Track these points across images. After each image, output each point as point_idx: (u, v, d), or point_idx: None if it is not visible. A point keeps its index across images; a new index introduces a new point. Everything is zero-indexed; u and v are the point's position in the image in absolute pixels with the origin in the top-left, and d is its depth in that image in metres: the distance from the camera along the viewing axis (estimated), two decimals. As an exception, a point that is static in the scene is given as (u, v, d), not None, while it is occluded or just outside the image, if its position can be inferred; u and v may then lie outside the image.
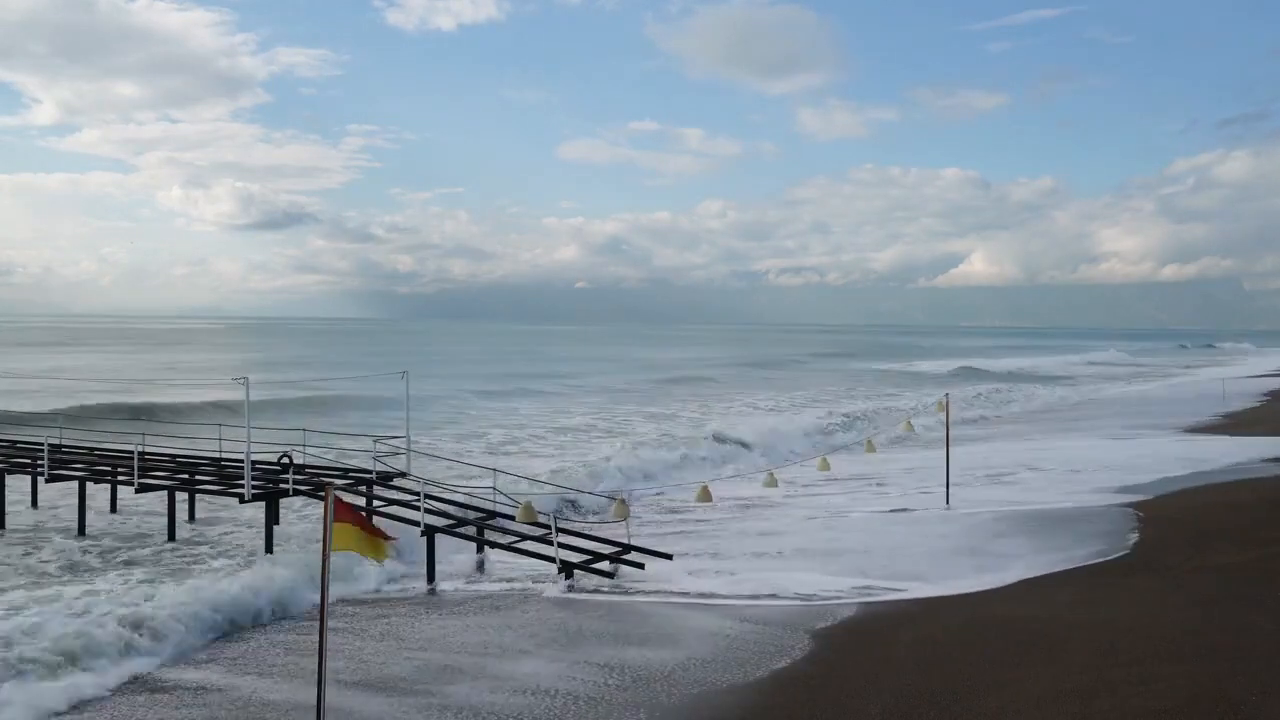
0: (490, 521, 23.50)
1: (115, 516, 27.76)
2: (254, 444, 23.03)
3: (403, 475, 26.18)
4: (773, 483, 31.62)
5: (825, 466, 35.95)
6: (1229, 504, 26.99)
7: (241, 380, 22.46)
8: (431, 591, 20.49)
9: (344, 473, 26.68)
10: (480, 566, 22.42)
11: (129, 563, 22.73)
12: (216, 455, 28.49)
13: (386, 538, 11.79)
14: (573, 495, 29.33)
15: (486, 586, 20.63)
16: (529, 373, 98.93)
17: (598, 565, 21.16)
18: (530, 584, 20.44)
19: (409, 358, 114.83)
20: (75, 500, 26.10)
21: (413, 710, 13.51)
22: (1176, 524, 24.62)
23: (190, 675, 14.97)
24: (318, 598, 11.53)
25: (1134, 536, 23.53)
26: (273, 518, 23.78)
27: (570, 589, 20.17)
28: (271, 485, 24.14)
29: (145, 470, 25.47)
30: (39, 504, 28.78)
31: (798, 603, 18.68)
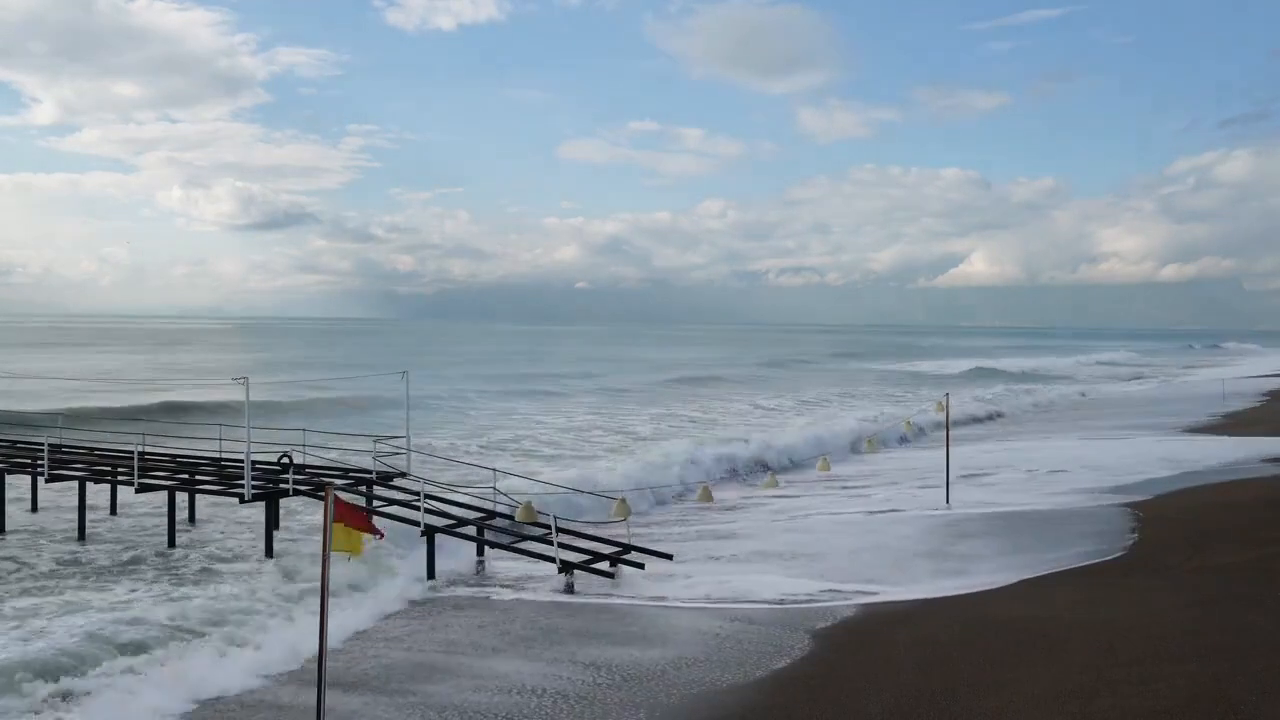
0: (490, 521, 23.51)
1: (115, 519, 27.68)
2: (254, 444, 23.02)
3: (403, 475, 26.18)
4: (773, 483, 31.63)
5: (825, 467, 35.97)
6: (1228, 504, 26.99)
7: (241, 380, 22.45)
8: (431, 591, 20.47)
9: (344, 473, 26.68)
10: (480, 566, 22.42)
11: (126, 574, 22.20)
12: (216, 455, 28.49)
13: (375, 532, 11.84)
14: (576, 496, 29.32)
15: (486, 586, 20.62)
16: (543, 374, 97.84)
17: (598, 565, 21.17)
18: (530, 584, 20.44)
19: (415, 358, 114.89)
20: (75, 499, 26.02)
21: (409, 709, 13.52)
22: (1176, 524, 24.63)
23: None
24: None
25: (1132, 537, 23.53)
26: (273, 519, 23.76)
27: (570, 589, 20.18)
28: (271, 485, 24.13)
29: (145, 470, 25.45)
30: (39, 504, 28.76)
31: (775, 605, 18.69)
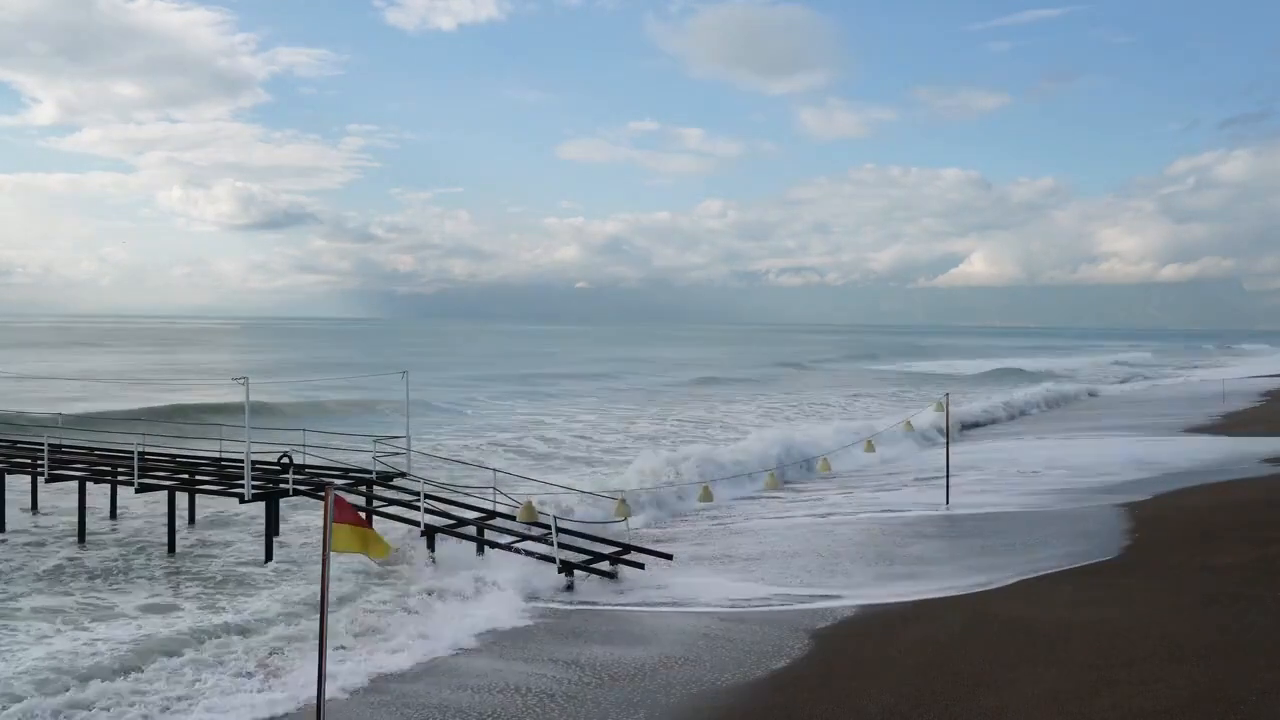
0: (490, 521, 23.50)
1: (115, 521, 27.65)
2: (254, 444, 23.02)
3: (403, 475, 26.19)
4: (774, 483, 31.62)
5: (826, 467, 35.96)
6: (1228, 504, 26.98)
7: (241, 380, 22.46)
8: (429, 592, 20.44)
9: (344, 473, 26.68)
10: (480, 567, 22.38)
11: (120, 590, 22.03)
12: (217, 455, 28.50)
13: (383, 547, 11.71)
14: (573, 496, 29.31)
15: (485, 586, 20.58)
16: (556, 374, 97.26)
17: (598, 565, 21.16)
18: (530, 584, 20.40)
19: (418, 359, 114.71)
20: (75, 499, 25.99)
21: (406, 710, 13.52)
22: (1176, 524, 24.62)
23: None
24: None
25: (1132, 537, 23.52)
26: (273, 520, 23.74)
27: (570, 588, 20.18)
28: (271, 485, 24.13)
29: (145, 470, 25.44)
30: (39, 505, 28.76)
31: (775, 606, 18.69)
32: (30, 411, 45.28)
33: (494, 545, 22.66)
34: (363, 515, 13.35)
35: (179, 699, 13.96)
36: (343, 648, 16.03)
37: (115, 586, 20.98)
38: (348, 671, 14.80)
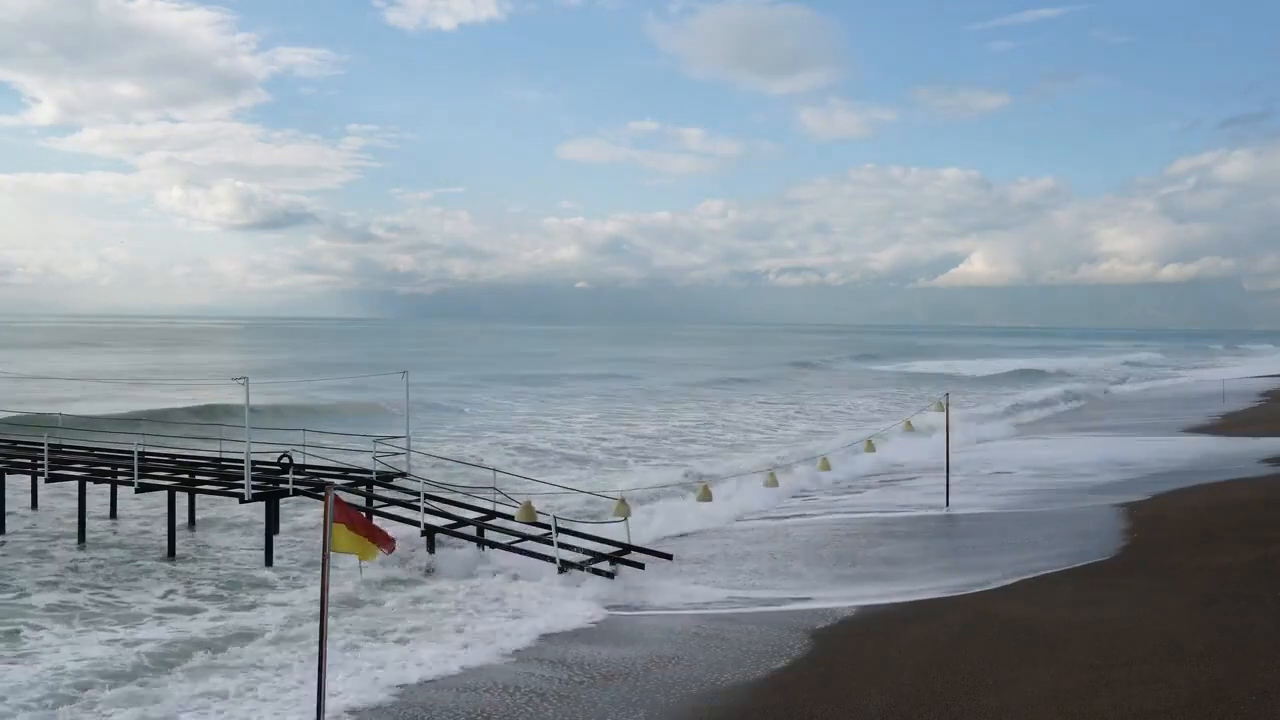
0: (490, 521, 23.49)
1: (115, 522, 27.62)
2: (255, 445, 23.00)
3: (403, 475, 26.17)
4: (773, 482, 31.57)
5: (826, 467, 35.90)
6: (1227, 504, 26.97)
7: (242, 381, 22.45)
8: (424, 594, 20.44)
9: (344, 473, 26.66)
10: (480, 566, 22.37)
11: (122, 597, 21.98)
12: (217, 455, 28.48)
13: (386, 540, 11.63)
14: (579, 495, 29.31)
15: (485, 586, 20.58)
16: (562, 374, 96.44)
17: (598, 565, 21.16)
18: (530, 584, 20.40)
19: (423, 359, 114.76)
20: (75, 499, 25.97)
21: (405, 711, 13.52)
22: (1175, 524, 24.61)
23: None
24: None
25: (1131, 537, 23.51)
26: (273, 522, 23.72)
27: (568, 587, 20.15)
28: (271, 485, 24.12)
29: (145, 470, 25.43)
30: (39, 505, 28.75)
31: (775, 606, 18.68)
32: (30, 411, 45.22)
33: (494, 545, 22.66)
34: (362, 515, 13.26)
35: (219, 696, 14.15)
36: (354, 647, 16.03)
37: (125, 587, 20.98)
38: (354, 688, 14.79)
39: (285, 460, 25.82)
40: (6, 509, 26.88)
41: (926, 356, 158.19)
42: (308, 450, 27.90)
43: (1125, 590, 18.26)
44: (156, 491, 25.36)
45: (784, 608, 18.51)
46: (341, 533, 10.92)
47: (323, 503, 10.99)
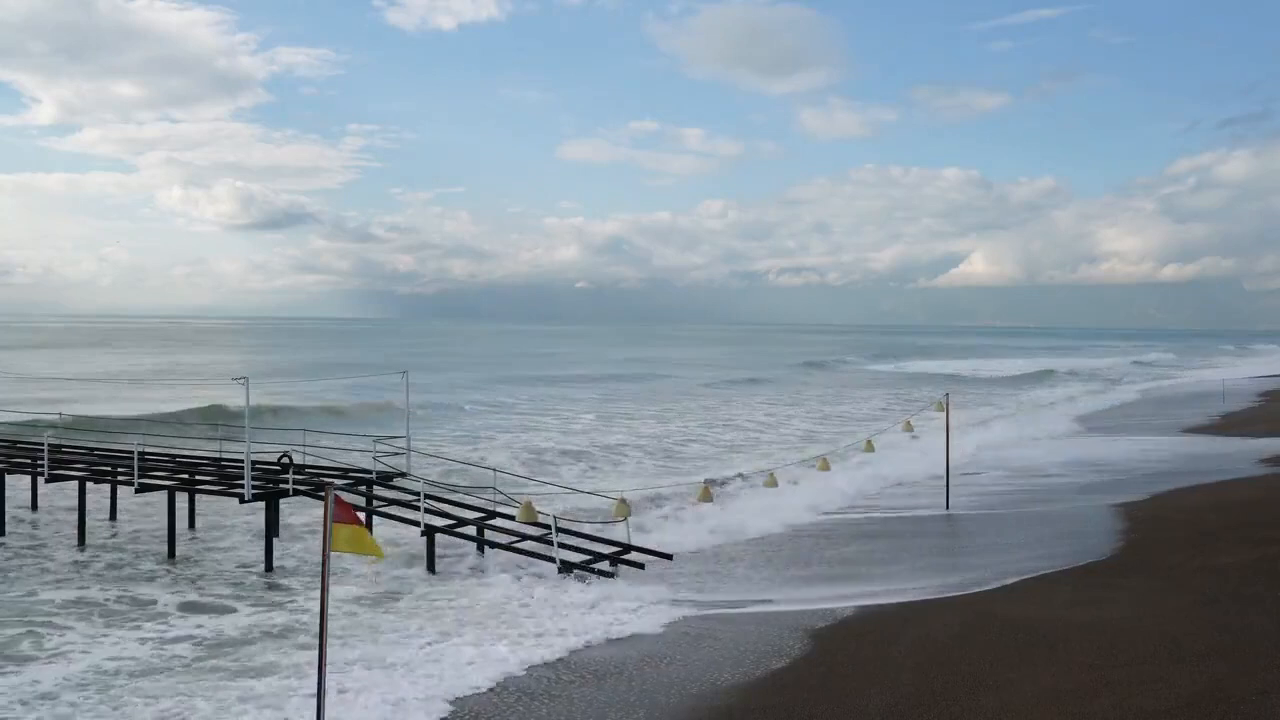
0: (490, 521, 23.49)
1: (114, 524, 27.59)
2: (255, 445, 22.99)
3: (403, 475, 26.17)
4: (773, 482, 31.57)
5: (825, 466, 35.90)
6: (1227, 504, 26.97)
7: (241, 381, 22.45)
8: (430, 593, 20.46)
9: (344, 473, 26.66)
10: (480, 566, 22.39)
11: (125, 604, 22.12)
12: (217, 455, 28.48)
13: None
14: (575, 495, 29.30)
15: (485, 586, 20.59)
16: (564, 375, 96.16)
17: (598, 565, 21.16)
18: (529, 584, 20.40)
19: (429, 360, 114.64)
20: (74, 499, 25.95)
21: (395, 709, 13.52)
22: (1175, 524, 24.60)
23: None
24: None
25: (1131, 537, 23.52)
26: (273, 523, 23.70)
27: (568, 586, 20.15)
28: (271, 485, 24.11)
29: (145, 470, 25.42)
30: (39, 505, 28.74)
31: (774, 606, 18.68)
32: (30, 411, 45.25)
33: (494, 545, 22.66)
34: (360, 515, 13.24)
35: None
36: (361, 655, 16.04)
37: (128, 588, 20.97)
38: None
39: (285, 460, 25.82)
40: (6, 509, 26.87)
41: (938, 357, 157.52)
42: (307, 450, 27.90)
43: (1125, 590, 18.26)
44: (156, 491, 25.35)
45: (783, 608, 18.50)
46: (341, 533, 10.91)
47: (323, 503, 10.98)
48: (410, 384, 28.36)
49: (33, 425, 33.81)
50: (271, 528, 23.58)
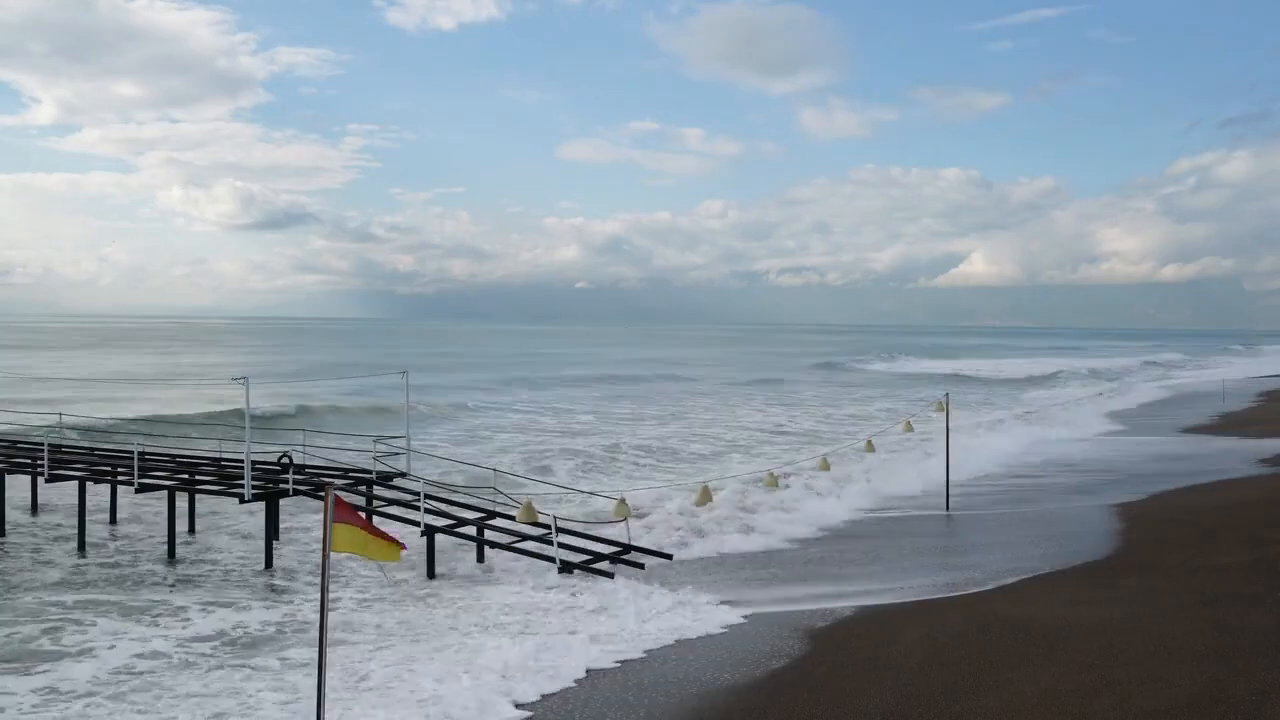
0: (490, 521, 23.50)
1: (115, 526, 27.59)
2: (255, 445, 22.99)
3: (403, 475, 26.17)
4: (773, 482, 31.57)
5: (825, 466, 35.90)
6: (1227, 504, 26.98)
7: (241, 381, 22.45)
8: (430, 593, 20.46)
9: (344, 472, 26.67)
10: (480, 567, 22.39)
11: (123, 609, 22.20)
12: (217, 455, 28.49)
13: (392, 540, 11.53)
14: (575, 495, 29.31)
15: (485, 586, 20.60)
16: (569, 376, 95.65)
17: (598, 565, 21.16)
18: (529, 584, 20.41)
19: (439, 360, 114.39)
20: (74, 499, 25.93)
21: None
22: (1175, 524, 24.62)
23: None
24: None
25: (1131, 537, 23.53)
26: (273, 524, 23.70)
27: (568, 586, 20.15)
28: (271, 485, 24.12)
29: (145, 470, 25.43)
30: (39, 506, 28.74)
31: (773, 606, 18.67)
32: (30, 411, 45.27)
33: (494, 545, 22.67)
34: (363, 517, 13.22)
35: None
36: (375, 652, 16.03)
37: (131, 588, 21.00)
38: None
39: (285, 460, 25.83)
40: (6, 509, 26.88)
41: (950, 357, 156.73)
42: (307, 450, 27.91)
43: (1125, 590, 18.27)
44: (157, 491, 25.36)
45: (783, 608, 18.49)
46: (342, 533, 10.89)
47: (323, 503, 10.97)
48: (411, 384, 28.38)
49: (56, 428, 33.57)
50: (271, 527, 23.60)
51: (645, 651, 15.88)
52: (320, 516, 12.00)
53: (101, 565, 22.93)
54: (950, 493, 29.33)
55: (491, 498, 24.64)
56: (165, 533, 24.43)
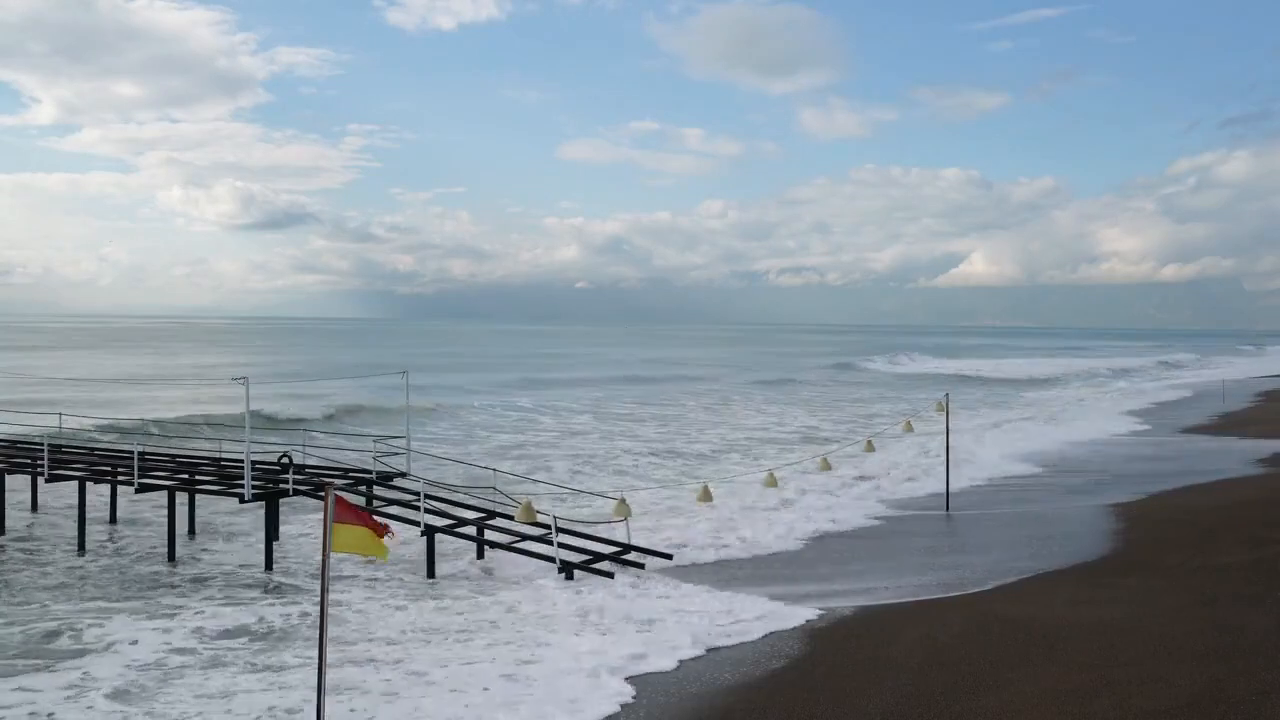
0: (490, 521, 23.50)
1: (114, 527, 27.59)
2: (255, 445, 22.98)
3: (403, 475, 26.17)
4: (773, 482, 31.58)
5: (826, 466, 35.91)
6: (1227, 504, 26.99)
7: (241, 381, 22.45)
8: (430, 592, 20.46)
9: (344, 472, 26.68)
10: (479, 567, 22.40)
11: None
12: (217, 455, 28.49)
13: (386, 531, 11.50)
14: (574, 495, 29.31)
15: (485, 587, 20.60)
16: (570, 376, 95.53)
17: (598, 565, 21.16)
18: (529, 584, 20.41)
19: (425, 359, 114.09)
20: (74, 499, 25.94)
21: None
22: (1175, 524, 24.62)
23: None
24: None
25: (1131, 537, 23.52)
26: (273, 525, 23.69)
27: (568, 587, 20.15)
28: (271, 485, 24.12)
29: (145, 470, 25.42)
30: (39, 506, 28.75)
31: (773, 606, 18.67)
32: (30, 411, 45.28)
33: (494, 545, 22.67)
34: (365, 513, 13.20)
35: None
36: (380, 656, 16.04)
37: (132, 588, 21.01)
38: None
39: (285, 460, 25.83)
40: (7, 510, 26.89)
41: (958, 356, 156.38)
42: (307, 450, 27.91)
43: (1125, 590, 18.27)
44: (157, 491, 25.36)
45: (783, 606, 18.47)
46: (342, 533, 10.89)
47: (323, 503, 10.97)
48: (411, 384, 28.39)
49: (33, 425, 33.62)
50: (271, 528, 23.60)
51: (643, 651, 15.84)
52: (320, 516, 11.99)
53: (102, 565, 22.93)
54: (950, 493, 29.35)
55: (491, 498, 24.64)
56: (165, 533, 24.42)
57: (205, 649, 16.43)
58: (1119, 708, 12.06)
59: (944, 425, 31.46)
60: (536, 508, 23.30)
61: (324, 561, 11.02)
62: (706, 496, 28.55)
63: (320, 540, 11.50)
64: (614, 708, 13.37)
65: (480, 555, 22.85)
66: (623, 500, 24.47)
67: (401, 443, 27.37)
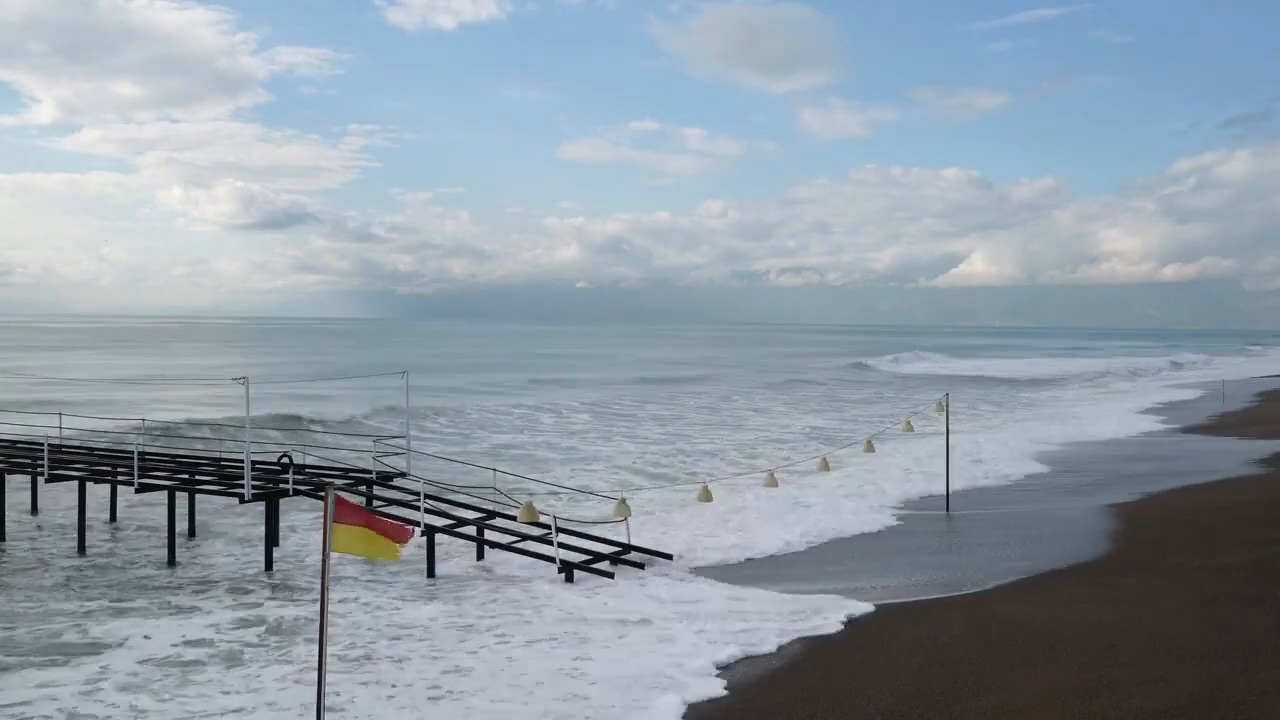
0: (490, 521, 23.51)
1: (114, 527, 27.59)
2: (255, 445, 22.99)
3: (403, 475, 26.18)
4: (773, 482, 31.57)
5: (825, 467, 35.91)
6: (1226, 504, 26.99)
7: (241, 381, 22.46)
8: (430, 593, 20.47)
9: (344, 472, 26.68)
10: (480, 567, 22.40)
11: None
12: (217, 455, 28.50)
13: (401, 535, 11.39)
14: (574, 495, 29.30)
15: (485, 587, 20.60)
16: (595, 378, 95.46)
17: (598, 565, 21.16)
18: (529, 584, 20.42)
19: (425, 359, 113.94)
20: (74, 499, 25.95)
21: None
22: (1175, 524, 24.62)
23: None
24: None
25: (1131, 537, 23.51)
26: (273, 526, 23.69)
27: (568, 588, 20.16)
28: (271, 485, 24.12)
29: (145, 470, 25.42)
30: (38, 506, 28.75)
31: (773, 606, 18.67)
32: (30, 411, 45.29)
33: (494, 545, 22.67)
34: (374, 515, 13.19)
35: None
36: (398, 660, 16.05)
37: (134, 588, 21.01)
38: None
39: (285, 460, 25.84)
40: (6, 510, 26.89)
41: (968, 356, 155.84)
42: (307, 450, 27.91)
43: (1125, 590, 18.27)
44: (157, 491, 25.36)
45: (783, 607, 18.48)
46: (342, 533, 10.88)
47: (323, 503, 10.97)
48: (411, 384, 28.38)
49: (33, 425, 33.60)
50: (271, 528, 23.60)
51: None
52: (319, 516, 11.98)
53: (102, 566, 22.94)
54: (950, 493, 29.35)
55: (492, 498, 24.64)
56: (165, 533, 24.42)
57: (205, 649, 16.43)
58: (1119, 708, 12.06)
59: (944, 425, 31.47)
60: (537, 508, 23.31)
61: (324, 561, 11.01)
62: (707, 497, 28.55)
63: (320, 540, 11.50)
64: (614, 708, 13.36)
65: (480, 555, 22.85)
66: (623, 500, 24.48)
67: (401, 443, 27.38)
